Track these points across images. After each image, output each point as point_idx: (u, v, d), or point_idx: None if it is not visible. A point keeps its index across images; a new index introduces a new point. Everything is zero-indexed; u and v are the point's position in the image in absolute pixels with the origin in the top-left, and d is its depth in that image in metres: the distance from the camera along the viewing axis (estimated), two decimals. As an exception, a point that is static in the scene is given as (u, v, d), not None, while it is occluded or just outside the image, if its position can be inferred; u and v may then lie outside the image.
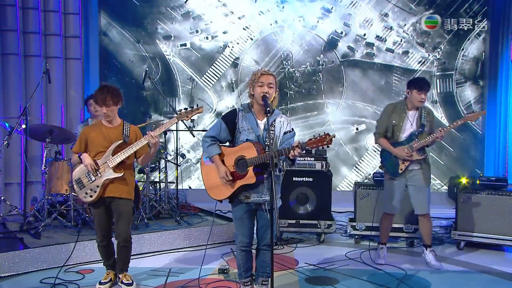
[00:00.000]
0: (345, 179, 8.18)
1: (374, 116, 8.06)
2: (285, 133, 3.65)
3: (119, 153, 3.90)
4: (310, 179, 5.71)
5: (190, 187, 7.83)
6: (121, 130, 4.00)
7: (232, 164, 3.57)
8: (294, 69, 8.13)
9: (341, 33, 8.07)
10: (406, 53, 8.08)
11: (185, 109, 3.99)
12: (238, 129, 3.62)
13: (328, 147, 3.31)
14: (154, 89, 7.90)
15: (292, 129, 3.71)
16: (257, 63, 8.12)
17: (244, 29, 8.12)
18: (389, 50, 8.08)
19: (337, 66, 8.12)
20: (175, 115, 3.99)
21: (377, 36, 8.08)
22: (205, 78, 8.17)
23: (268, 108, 3.41)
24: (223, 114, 3.79)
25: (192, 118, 4.02)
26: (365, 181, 7.37)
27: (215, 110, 8.17)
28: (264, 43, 8.15)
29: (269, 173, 3.33)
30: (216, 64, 8.17)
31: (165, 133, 6.54)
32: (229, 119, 3.65)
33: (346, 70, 8.12)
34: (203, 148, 3.68)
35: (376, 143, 4.91)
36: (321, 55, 8.10)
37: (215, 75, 8.18)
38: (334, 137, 3.27)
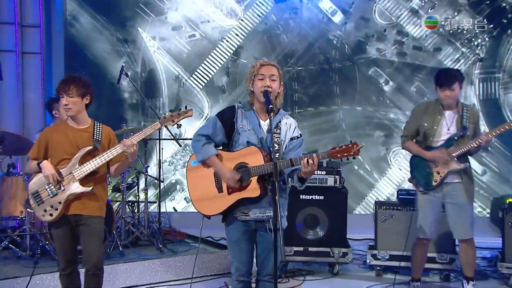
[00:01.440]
0: (364, 200, 8.19)
1: (395, 122, 8.13)
2: (291, 138, 3.64)
3: (88, 162, 3.87)
4: (321, 198, 5.73)
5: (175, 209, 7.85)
6: (91, 133, 3.99)
7: None
8: (300, 68, 8.21)
9: (370, 36, 8.17)
10: (438, 49, 8.13)
11: (171, 111, 3.97)
12: (237, 130, 3.59)
13: (354, 158, 3.30)
14: (133, 90, 7.92)
15: (300, 135, 3.69)
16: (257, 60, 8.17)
17: (241, 20, 8.20)
18: (416, 48, 8.12)
19: (350, 66, 8.20)
20: (158, 120, 3.97)
21: (401, 32, 8.12)
22: (195, 77, 8.24)
23: (270, 106, 3.38)
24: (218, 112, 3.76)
25: (179, 123, 4.00)
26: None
27: (207, 115, 8.22)
28: (267, 38, 8.21)
29: (272, 184, 3.27)
30: (209, 60, 8.22)
31: (145, 142, 6.55)
32: (227, 117, 3.62)
33: (362, 69, 8.19)
34: (195, 149, 3.61)
35: (403, 148, 4.98)
36: (333, 52, 8.18)
37: (208, 74, 8.24)
38: (363, 146, 3.27)
